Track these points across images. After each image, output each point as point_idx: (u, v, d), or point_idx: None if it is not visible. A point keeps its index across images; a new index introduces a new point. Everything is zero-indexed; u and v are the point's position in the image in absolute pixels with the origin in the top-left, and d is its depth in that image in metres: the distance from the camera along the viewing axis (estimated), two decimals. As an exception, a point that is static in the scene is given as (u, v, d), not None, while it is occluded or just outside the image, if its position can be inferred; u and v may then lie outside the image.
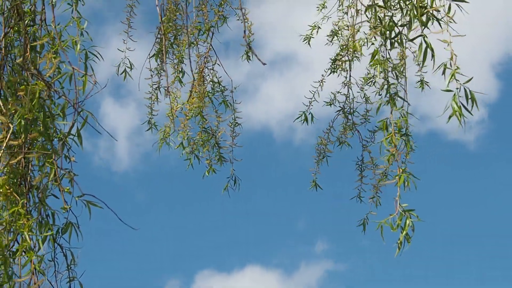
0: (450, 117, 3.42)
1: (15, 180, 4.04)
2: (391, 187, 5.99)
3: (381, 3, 3.67)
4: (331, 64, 6.14)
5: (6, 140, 3.97)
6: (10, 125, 4.00)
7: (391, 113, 3.69)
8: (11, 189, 4.01)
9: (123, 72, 5.60)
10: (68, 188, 4.05)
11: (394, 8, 3.67)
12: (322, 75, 6.18)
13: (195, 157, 5.90)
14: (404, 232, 3.70)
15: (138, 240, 19.68)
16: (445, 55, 3.55)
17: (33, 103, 3.98)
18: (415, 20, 3.51)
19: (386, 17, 3.67)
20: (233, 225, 19.55)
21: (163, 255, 19.50)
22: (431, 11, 3.43)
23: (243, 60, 5.87)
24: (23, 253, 3.93)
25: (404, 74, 4.12)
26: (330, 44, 6.18)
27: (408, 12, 3.44)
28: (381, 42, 3.86)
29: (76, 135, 4.08)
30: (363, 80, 6.09)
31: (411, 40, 3.64)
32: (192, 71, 5.54)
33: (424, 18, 3.47)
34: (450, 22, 3.47)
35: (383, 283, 18.20)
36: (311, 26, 6.35)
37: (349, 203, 6.09)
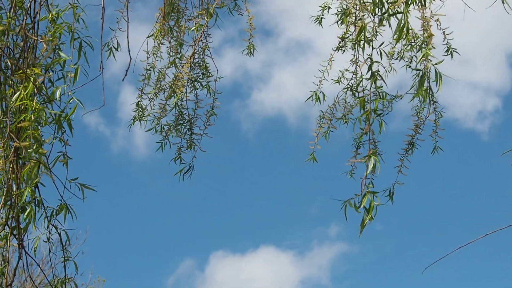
0: (414, 97, 3.38)
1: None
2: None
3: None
4: (339, 42, 6.08)
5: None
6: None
7: (369, 90, 3.64)
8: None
9: (109, 50, 5.41)
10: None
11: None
12: (331, 54, 6.11)
13: (168, 142, 5.88)
14: (369, 216, 3.63)
15: (155, 222, 19.87)
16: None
17: (27, 91, 4.02)
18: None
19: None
20: (247, 207, 19.60)
21: (178, 236, 19.65)
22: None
23: (244, 55, 5.85)
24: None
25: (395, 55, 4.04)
26: (338, 23, 6.12)
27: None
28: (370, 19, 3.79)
29: (66, 120, 4.13)
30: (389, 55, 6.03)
31: (393, 15, 3.58)
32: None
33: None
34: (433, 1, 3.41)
35: (394, 266, 18.07)
36: (321, 6, 6.29)
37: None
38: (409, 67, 5.61)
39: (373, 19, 3.67)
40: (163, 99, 5.87)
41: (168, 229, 20.46)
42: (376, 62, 3.62)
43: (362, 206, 3.61)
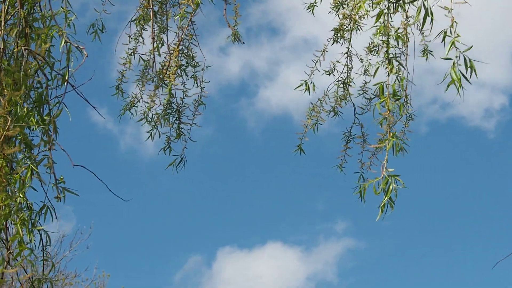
0: (448, 85, 3.24)
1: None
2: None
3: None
4: (334, 33, 5.93)
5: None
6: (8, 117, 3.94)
7: (388, 76, 3.51)
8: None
9: (93, 32, 5.47)
10: (62, 177, 4.09)
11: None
12: (324, 45, 5.97)
13: (157, 132, 5.80)
14: (387, 197, 3.51)
15: (163, 218, 19.72)
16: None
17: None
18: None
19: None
20: (255, 204, 19.49)
21: (186, 232, 19.51)
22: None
23: (228, 41, 5.69)
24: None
25: (407, 41, 3.93)
26: (333, 13, 5.96)
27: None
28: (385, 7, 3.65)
29: (51, 125, 4.10)
30: (367, 50, 5.85)
31: (411, 2, 3.44)
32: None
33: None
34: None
35: (401, 262, 18.04)
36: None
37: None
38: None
39: (388, 6, 3.51)
40: (151, 89, 5.77)
41: (176, 225, 20.40)
42: (393, 47, 3.47)
43: (381, 190, 3.46)
